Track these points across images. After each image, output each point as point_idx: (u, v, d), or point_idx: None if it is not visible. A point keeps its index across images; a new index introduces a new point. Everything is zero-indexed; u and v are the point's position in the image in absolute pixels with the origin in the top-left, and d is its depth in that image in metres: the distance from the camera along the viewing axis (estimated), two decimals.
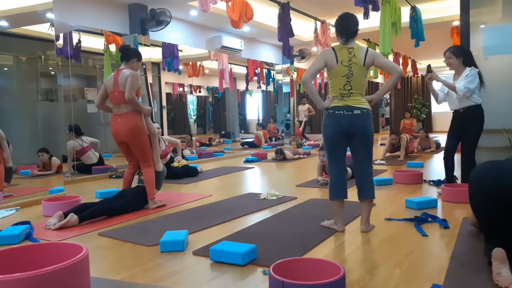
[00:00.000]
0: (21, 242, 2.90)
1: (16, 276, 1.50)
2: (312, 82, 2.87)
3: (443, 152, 4.26)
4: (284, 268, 1.85)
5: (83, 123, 6.52)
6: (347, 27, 2.85)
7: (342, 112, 2.81)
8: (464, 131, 3.92)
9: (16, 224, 3.16)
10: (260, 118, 13.47)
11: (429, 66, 3.99)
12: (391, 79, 2.85)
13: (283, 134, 11.32)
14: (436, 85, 4.15)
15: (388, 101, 18.33)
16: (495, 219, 2.11)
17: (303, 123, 12.47)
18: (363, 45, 2.75)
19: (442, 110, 12.28)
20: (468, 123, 3.89)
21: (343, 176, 2.95)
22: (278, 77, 11.28)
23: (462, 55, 3.89)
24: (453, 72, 4.05)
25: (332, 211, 2.97)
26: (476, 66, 3.88)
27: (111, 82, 3.83)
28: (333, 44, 2.87)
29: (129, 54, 3.86)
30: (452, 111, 4.09)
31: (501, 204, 2.06)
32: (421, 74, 16.91)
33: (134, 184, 4.13)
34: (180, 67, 8.99)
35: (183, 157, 7.06)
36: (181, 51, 8.48)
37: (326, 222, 3.06)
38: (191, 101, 11.50)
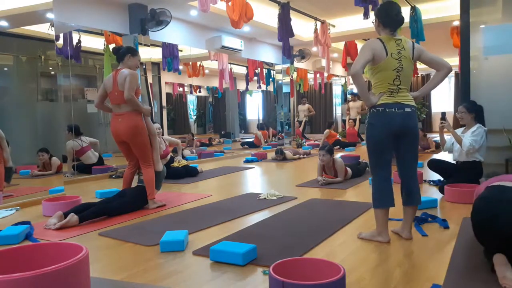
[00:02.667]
0: (21, 242, 2.90)
1: (16, 276, 1.50)
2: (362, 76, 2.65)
3: (442, 153, 4.34)
4: (284, 268, 1.85)
5: (83, 123, 6.52)
6: (394, 16, 2.62)
7: (393, 109, 2.57)
8: (457, 175, 4.17)
9: (16, 224, 3.16)
10: (260, 118, 13.47)
11: (443, 114, 4.20)
12: (439, 75, 2.65)
13: (283, 134, 11.32)
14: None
15: None
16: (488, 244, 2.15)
17: (303, 123, 12.44)
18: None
19: (442, 110, 12.27)
20: (463, 172, 4.13)
21: (390, 181, 2.74)
22: (278, 77, 11.28)
23: (474, 111, 4.16)
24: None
25: (375, 220, 2.72)
26: (484, 124, 4.11)
27: (110, 82, 3.83)
28: (382, 35, 2.65)
29: (121, 53, 3.87)
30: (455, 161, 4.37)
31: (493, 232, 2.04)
32: (421, 74, 16.92)
33: (134, 184, 4.13)
34: (180, 67, 8.99)
35: (183, 157, 7.06)
36: (181, 51, 8.48)
37: (364, 233, 2.79)
38: (191, 101, 11.50)
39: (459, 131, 4.34)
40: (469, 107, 4.20)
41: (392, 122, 2.57)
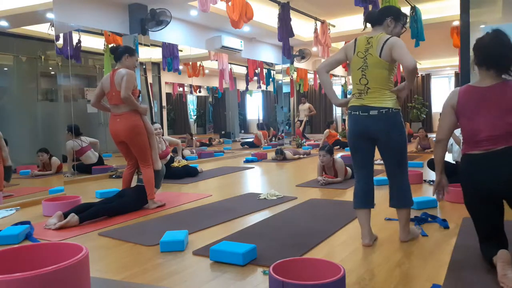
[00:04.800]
0: (21, 242, 2.90)
1: (16, 276, 1.50)
2: (328, 74, 2.65)
3: None
4: (284, 268, 1.85)
5: (83, 123, 6.52)
6: (368, 14, 2.62)
7: (357, 113, 2.53)
8: (457, 175, 4.16)
9: (16, 224, 3.16)
10: (260, 118, 13.47)
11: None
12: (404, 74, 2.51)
13: (283, 134, 11.32)
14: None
15: None
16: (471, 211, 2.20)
17: (303, 123, 12.41)
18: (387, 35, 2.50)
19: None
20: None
21: (366, 182, 2.66)
22: (278, 77, 11.28)
23: None
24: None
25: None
26: None
27: (107, 83, 3.82)
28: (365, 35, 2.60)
29: (119, 53, 3.85)
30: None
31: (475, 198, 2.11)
32: (421, 74, 16.91)
33: (134, 183, 4.13)
34: (180, 67, 9.00)
35: (183, 157, 7.06)
36: (181, 51, 8.48)
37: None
38: (191, 101, 11.50)
39: (457, 131, 4.34)
40: None
41: (356, 126, 2.57)
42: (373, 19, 2.61)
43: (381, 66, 2.48)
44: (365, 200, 2.64)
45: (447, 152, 4.45)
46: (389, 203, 2.66)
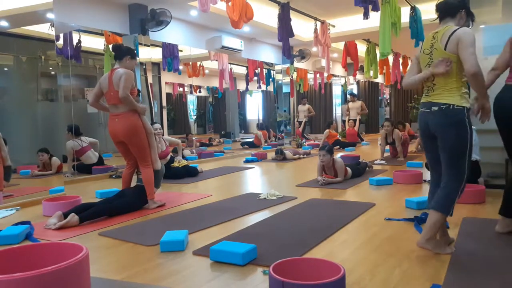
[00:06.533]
0: (21, 242, 2.90)
1: (16, 276, 1.50)
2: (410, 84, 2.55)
3: None
4: (284, 268, 1.85)
5: (83, 123, 6.52)
6: (438, 4, 2.43)
7: (423, 109, 2.46)
8: None
9: (16, 224, 3.16)
10: (260, 118, 13.48)
11: None
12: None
13: (283, 134, 11.32)
14: None
15: (388, 101, 18.33)
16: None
17: (303, 124, 12.41)
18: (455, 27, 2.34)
19: None
20: None
21: (433, 182, 2.58)
22: (278, 77, 11.29)
23: None
24: None
25: None
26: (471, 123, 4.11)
27: (105, 82, 3.81)
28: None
29: (121, 53, 3.85)
30: None
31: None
32: None
33: (133, 183, 4.13)
34: (180, 67, 9.00)
35: (183, 157, 7.06)
36: (181, 51, 8.48)
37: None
38: (191, 101, 11.50)
39: None
40: None
41: (419, 123, 2.52)
42: (448, 8, 2.42)
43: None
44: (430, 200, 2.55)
45: None
46: (428, 204, 2.57)
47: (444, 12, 2.44)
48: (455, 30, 2.31)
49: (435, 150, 2.47)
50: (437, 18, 2.48)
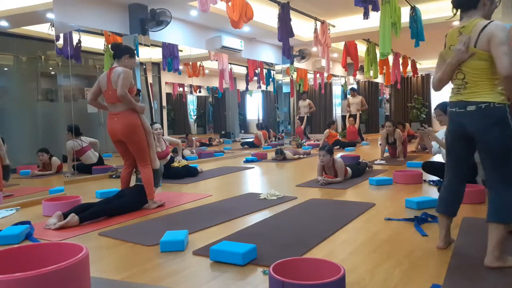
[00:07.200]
0: (21, 242, 2.90)
1: (17, 276, 1.50)
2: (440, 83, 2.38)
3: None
4: (284, 268, 1.85)
5: (83, 123, 6.52)
6: None
7: (454, 109, 2.28)
8: None
9: (16, 224, 3.16)
10: (260, 118, 13.47)
11: (420, 123, 4.21)
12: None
13: (283, 134, 11.32)
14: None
15: (388, 100, 18.36)
16: None
17: (304, 120, 12.21)
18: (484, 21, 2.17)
19: None
20: None
21: (451, 186, 2.42)
22: (278, 77, 11.28)
23: None
24: (445, 127, 4.25)
25: None
26: None
27: (104, 81, 3.81)
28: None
29: (120, 51, 3.84)
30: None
31: None
32: (421, 74, 16.92)
33: (133, 183, 4.12)
34: (180, 67, 9.00)
35: (183, 157, 7.06)
36: (181, 51, 8.48)
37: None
38: (191, 101, 11.50)
39: (441, 133, 4.34)
40: (445, 109, 4.20)
41: (451, 124, 2.32)
42: (466, 1, 2.26)
43: (478, 58, 2.16)
44: (445, 206, 2.42)
45: (438, 153, 4.46)
46: (487, 217, 2.21)
47: (464, 5, 2.27)
48: (486, 25, 2.13)
49: (465, 153, 2.33)
50: (454, 15, 2.36)
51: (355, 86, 15.43)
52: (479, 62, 2.16)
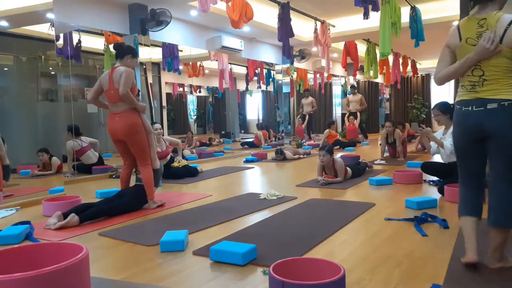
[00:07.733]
0: (21, 242, 2.90)
1: (16, 276, 1.50)
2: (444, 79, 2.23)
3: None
4: (284, 268, 1.85)
5: (83, 123, 6.52)
6: None
7: (470, 108, 2.11)
8: (453, 176, 4.09)
9: (16, 224, 3.16)
10: (260, 118, 13.47)
11: (419, 123, 4.24)
12: None
13: (283, 134, 11.31)
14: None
15: (388, 99, 18.36)
16: None
17: (307, 118, 12.03)
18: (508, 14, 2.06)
19: None
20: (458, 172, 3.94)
21: (475, 194, 2.23)
22: (278, 77, 11.28)
23: (448, 112, 4.19)
24: (443, 127, 4.23)
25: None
26: None
27: (106, 80, 3.81)
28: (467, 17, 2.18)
29: (122, 51, 3.85)
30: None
31: None
32: (421, 74, 16.92)
33: (132, 183, 4.12)
34: (180, 67, 9.00)
35: (183, 157, 7.06)
36: (181, 51, 8.48)
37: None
38: (191, 101, 11.50)
39: (439, 133, 4.36)
40: (443, 109, 4.27)
41: (466, 124, 2.14)
42: None
43: (503, 55, 2.04)
44: (472, 206, 2.22)
45: (437, 154, 4.46)
46: (488, 220, 2.13)
47: None
48: None
49: (483, 155, 2.17)
50: (472, 8, 2.17)
51: (355, 84, 15.44)
52: (501, 59, 2.04)
